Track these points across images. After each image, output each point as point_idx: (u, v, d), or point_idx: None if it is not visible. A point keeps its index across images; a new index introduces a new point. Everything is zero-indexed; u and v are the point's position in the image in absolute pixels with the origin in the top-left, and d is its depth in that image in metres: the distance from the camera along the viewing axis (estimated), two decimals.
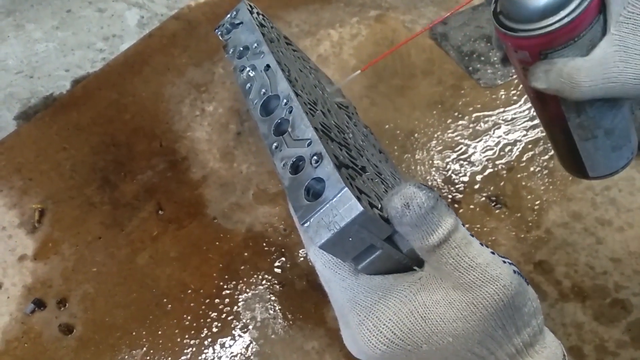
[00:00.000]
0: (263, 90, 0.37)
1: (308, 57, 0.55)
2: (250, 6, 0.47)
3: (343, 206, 0.26)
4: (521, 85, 0.82)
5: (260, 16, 0.47)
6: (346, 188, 0.26)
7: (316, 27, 0.93)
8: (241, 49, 0.42)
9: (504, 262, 0.28)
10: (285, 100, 0.34)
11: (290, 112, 0.33)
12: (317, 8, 0.95)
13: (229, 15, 0.46)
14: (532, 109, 0.79)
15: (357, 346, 0.29)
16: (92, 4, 1.02)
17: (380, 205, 0.29)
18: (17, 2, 1.03)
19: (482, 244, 0.28)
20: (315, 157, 0.29)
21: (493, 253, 0.28)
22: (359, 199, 0.26)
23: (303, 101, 0.35)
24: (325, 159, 0.28)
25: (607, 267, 0.65)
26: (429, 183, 0.74)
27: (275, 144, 0.33)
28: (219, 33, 0.46)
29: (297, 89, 0.37)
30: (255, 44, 0.41)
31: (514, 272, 0.28)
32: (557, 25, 0.35)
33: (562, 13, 0.34)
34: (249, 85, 0.38)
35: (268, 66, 0.38)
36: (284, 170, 0.30)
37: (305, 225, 0.27)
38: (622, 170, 0.45)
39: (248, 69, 0.40)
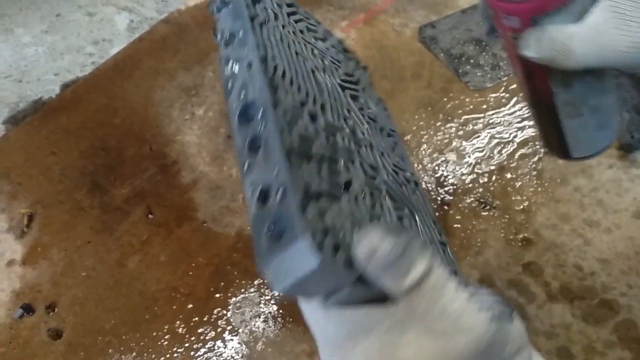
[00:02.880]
0: (243, 92, 0.34)
1: (318, 22, 0.51)
2: None
3: (300, 256, 0.24)
4: (510, 87, 0.83)
5: None
6: (303, 238, 0.24)
7: None
8: (227, 35, 0.39)
9: (481, 308, 0.26)
10: (261, 112, 0.31)
11: (265, 126, 0.31)
12: (306, 11, 0.96)
13: None
14: (521, 111, 0.80)
15: None
16: (82, 8, 1.02)
17: (349, 246, 0.27)
18: (6, 6, 1.03)
19: (459, 287, 0.26)
20: (280, 192, 0.27)
21: (470, 298, 0.26)
22: (319, 246, 0.24)
23: (283, 111, 0.32)
24: (287, 198, 0.26)
25: (594, 268, 0.65)
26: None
27: (247, 164, 0.30)
28: (211, 10, 0.43)
29: (280, 92, 0.34)
30: (242, 32, 0.37)
31: (491, 319, 0.26)
32: None
33: None
34: (230, 83, 0.35)
35: (250, 64, 0.35)
36: (251, 199, 0.28)
37: (264, 270, 0.25)
38: (603, 152, 0.45)
39: (232, 61, 0.36)
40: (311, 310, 0.29)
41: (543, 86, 0.41)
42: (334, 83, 0.44)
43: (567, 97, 0.40)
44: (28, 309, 0.69)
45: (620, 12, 0.33)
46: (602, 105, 0.41)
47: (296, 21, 0.47)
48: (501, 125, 0.79)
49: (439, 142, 0.79)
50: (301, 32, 0.46)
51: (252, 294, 0.68)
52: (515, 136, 0.78)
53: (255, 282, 0.69)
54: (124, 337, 0.67)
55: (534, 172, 0.74)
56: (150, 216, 0.76)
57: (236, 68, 0.36)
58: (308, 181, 0.29)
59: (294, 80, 0.37)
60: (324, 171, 0.31)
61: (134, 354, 0.66)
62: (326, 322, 0.28)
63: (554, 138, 0.45)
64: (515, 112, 0.80)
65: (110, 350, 0.66)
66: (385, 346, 0.26)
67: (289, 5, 0.48)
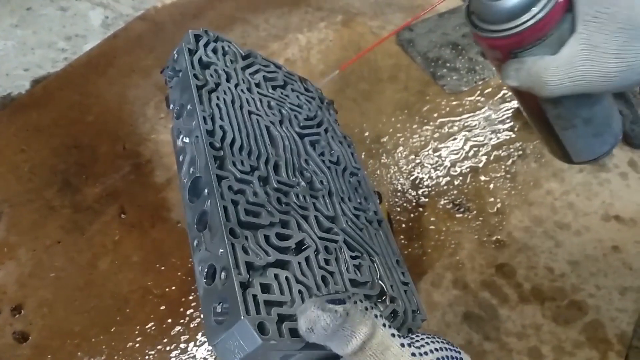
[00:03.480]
0: (192, 168, 0.35)
1: (278, 67, 0.52)
2: (196, 37, 0.43)
3: (243, 336, 0.26)
4: (485, 91, 0.84)
5: (211, 45, 0.44)
6: (245, 320, 0.26)
7: (284, 31, 0.93)
8: (178, 107, 0.40)
9: None
10: (206, 189, 0.33)
11: (211, 204, 0.32)
12: (285, 12, 0.95)
13: (171, 57, 0.43)
14: (496, 115, 0.81)
15: None
16: (54, 2, 1.00)
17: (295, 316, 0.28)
18: None
19: (403, 345, 0.28)
20: (223, 273, 0.29)
21: (414, 354, 0.28)
22: (261, 326, 0.27)
23: (229, 184, 0.33)
24: (229, 279, 0.28)
25: (565, 270, 0.66)
26: (395, 187, 0.75)
27: (196, 241, 0.32)
28: (164, 78, 0.44)
29: (228, 164, 0.35)
30: (189, 105, 0.38)
31: None
32: (523, 26, 0.35)
33: (529, 14, 0.35)
34: (181, 157, 0.37)
35: (197, 137, 0.36)
36: (200, 277, 0.30)
37: (213, 347, 0.27)
38: (607, 155, 0.46)
39: (183, 134, 0.38)
40: None
41: (533, 104, 0.42)
42: (292, 134, 0.45)
43: (557, 112, 0.41)
44: None
45: (593, 43, 0.34)
46: (594, 116, 0.42)
47: (252, 73, 0.47)
48: (476, 129, 0.80)
49: (415, 145, 0.79)
50: (257, 85, 0.47)
51: None
52: (490, 139, 0.79)
53: None
54: (93, 339, 0.65)
55: (508, 175, 0.75)
56: (123, 216, 0.75)
57: (186, 140, 0.37)
58: (252, 257, 0.30)
59: (244, 145, 0.38)
60: (272, 239, 0.33)
61: (104, 357, 0.64)
62: None
63: (555, 145, 0.46)
64: (490, 115, 0.81)
65: (79, 354, 0.64)
66: None
67: (244, 58, 0.48)
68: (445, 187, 0.75)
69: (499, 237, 0.70)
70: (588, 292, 0.65)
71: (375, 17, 0.94)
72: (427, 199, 0.74)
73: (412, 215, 0.72)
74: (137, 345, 0.65)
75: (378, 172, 0.77)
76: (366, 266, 0.40)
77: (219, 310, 0.28)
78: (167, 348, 0.64)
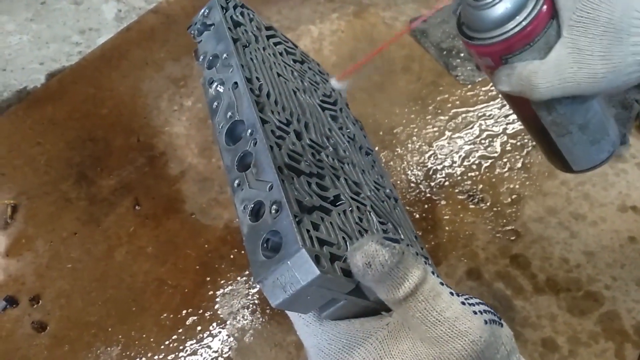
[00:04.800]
0: (230, 113, 0.35)
1: (295, 45, 0.52)
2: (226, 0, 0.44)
3: (300, 267, 0.25)
4: None
5: (239, 10, 0.45)
6: (303, 250, 0.25)
7: (296, 23, 0.92)
8: (211, 57, 0.39)
9: (475, 312, 0.27)
10: (250, 130, 0.32)
11: (255, 144, 0.31)
12: (297, 3, 0.95)
13: (201, 13, 0.43)
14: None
15: None
16: None
17: (344, 257, 0.27)
18: None
19: (452, 293, 0.27)
20: (274, 207, 0.27)
21: (464, 303, 0.27)
22: (317, 258, 0.25)
23: (271, 129, 0.33)
24: (283, 211, 0.27)
25: (580, 261, 0.66)
26: (408, 178, 0.75)
27: (237, 181, 0.31)
28: (192, 33, 0.43)
29: (267, 111, 0.35)
30: (225, 55, 0.38)
31: (486, 322, 0.27)
32: (511, 32, 0.37)
33: (515, 21, 0.37)
34: (216, 103, 0.36)
35: (236, 84, 0.36)
36: (243, 215, 0.29)
37: (260, 284, 0.26)
38: (606, 163, 0.46)
39: (216, 83, 0.37)
40: (304, 325, 0.29)
41: (528, 110, 0.43)
42: (315, 103, 0.45)
43: (551, 118, 0.42)
44: (12, 302, 0.68)
45: (578, 47, 0.36)
46: (589, 123, 0.42)
47: (275, 44, 0.48)
48: (490, 119, 0.79)
49: (428, 135, 0.79)
50: (281, 54, 0.48)
51: (240, 286, 0.68)
52: (505, 130, 0.78)
53: (243, 274, 0.69)
54: (110, 329, 0.66)
55: (522, 166, 0.74)
56: (137, 208, 0.75)
57: (221, 89, 0.37)
58: (300, 196, 0.29)
59: (278, 100, 0.38)
60: (313, 186, 0.32)
61: (120, 346, 0.65)
62: (321, 336, 0.29)
63: (553, 155, 0.46)
64: (504, 105, 0.80)
65: (96, 343, 0.65)
66: (381, 356, 0.27)
67: (267, 29, 0.49)
68: (459, 178, 0.74)
69: (513, 227, 0.69)
70: (604, 283, 0.64)
71: (388, 8, 0.94)
72: (440, 190, 0.73)
73: (425, 206, 0.72)
74: (153, 335, 0.66)
75: (391, 163, 0.76)
76: (392, 234, 0.40)
77: (267, 247, 0.27)
78: (182, 338, 0.65)
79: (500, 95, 0.81)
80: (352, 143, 0.47)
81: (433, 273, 0.27)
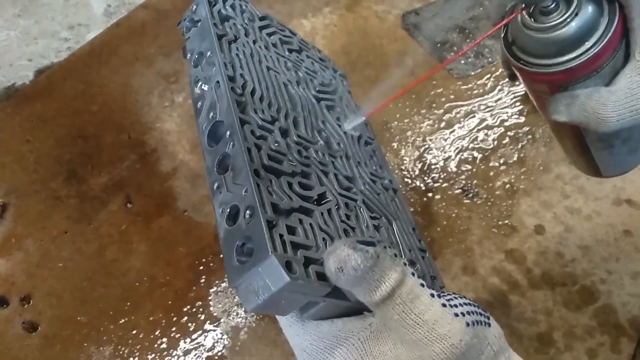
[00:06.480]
0: (212, 113, 0.34)
1: (293, 33, 0.51)
2: None
3: (270, 274, 0.25)
4: (493, 77, 0.83)
5: (229, 2, 0.44)
6: (272, 256, 0.25)
7: (289, 17, 0.91)
8: (196, 56, 0.39)
9: (457, 315, 0.26)
10: (229, 132, 0.32)
11: (233, 146, 0.31)
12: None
13: (189, 9, 0.42)
14: (505, 99, 0.80)
15: None
16: None
17: (321, 260, 0.27)
18: None
19: (433, 295, 0.27)
20: (248, 211, 0.28)
21: (445, 305, 0.26)
22: (289, 264, 0.25)
23: (251, 129, 0.33)
24: (255, 217, 0.27)
25: (575, 255, 0.66)
26: (403, 173, 0.74)
27: (216, 184, 0.31)
28: (181, 29, 0.43)
29: (249, 110, 0.34)
30: (209, 52, 0.38)
31: (468, 324, 0.26)
32: (579, 60, 0.32)
33: (585, 47, 0.32)
34: (200, 103, 0.36)
35: (218, 83, 0.35)
36: (221, 219, 0.29)
37: (234, 289, 0.26)
38: (635, 167, 0.43)
39: (201, 82, 0.37)
40: (287, 325, 0.29)
41: (573, 130, 0.39)
42: (309, 95, 0.44)
43: (598, 136, 0.38)
44: (1, 302, 0.67)
45: None
46: (632, 135, 0.39)
47: (269, 34, 0.47)
48: (484, 113, 0.79)
49: (422, 130, 0.78)
50: (274, 45, 0.47)
51: None
52: (499, 124, 0.78)
53: None
54: (102, 329, 0.65)
55: (517, 160, 0.74)
56: (129, 205, 0.74)
57: (205, 87, 0.36)
58: (277, 199, 0.29)
59: (264, 96, 0.37)
60: (294, 187, 0.32)
61: (113, 346, 0.64)
62: (303, 336, 0.29)
63: (584, 163, 0.43)
64: (499, 99, 0.80)
65: (88, 343, 0.65)
66: (362, 357, 0.27)
67: (261, 19, 0.48)
68: (454, 173, 0.74)
69: (508, 222, 0.69)
70: (599, 277, 0.64)
71: (381, 1, 0.93)
72: (435, 185, 0.73)
73: (420, 200, 0.71)
74: (146, 334, 0.65)
75: (386, 157, 0.76)
76: (384, 228, 0.39)
77: (243, 251, 0.27)
78: (176, 336, 0.64)
79: (496, 89, 0.81)
80: (349, 134, 0.46)
81: (414, 274, 0.27)
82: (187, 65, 0.39)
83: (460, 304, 0.27)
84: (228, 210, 0.29)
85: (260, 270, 0.25)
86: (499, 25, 0.35)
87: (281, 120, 0.37)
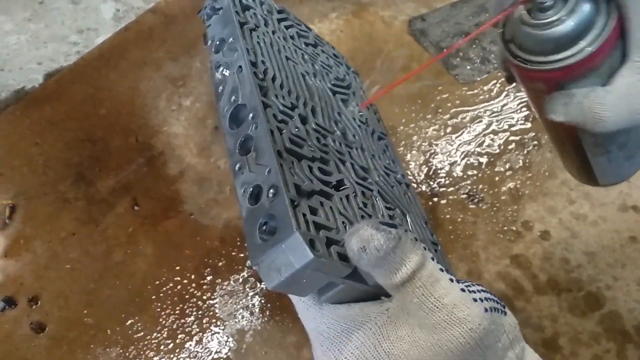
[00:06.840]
0: (234, 96, 0.35)
1: (309, 28, 0.52)
2: None
3: (294, 251, 0.25)
4: (499, 82, 0.83)
5: None
6: (297, 233, 0.25)
7: None
8: (218, 42, 0.40)
9: (475, 300, 0.26)
10: (251, 114, 0.32)
11: (256, 128, 0.31)
12: (296, 2, 0.95)
13: None
14: (511, 104, 0.80)
15: None
16: None
17: (342, 242, 0.27)
18: None
19: (452, 280, 0.26)
20: (272, 190, 0.28)
21: (464, 290, 0.26)
22: (312, 242, 0.25)
23: (273, 113, 0.33)
24: (279, 196, 0.27)
25: (581, 261, 0.66)
26: (409, 178, 0.74)
27: (238, 165, 0.31)
28: (201, 17, 0.44)
29: (271, 95, 0.35)
30: (231, 38, 0.38)
31: (486, 310, 0.26)
32: (575, 58, 0.32)
33: (582, 44, 0.31)
34: (221, 87, 0.36)
35: (240, 68, 0.36)
36: (243, 198, 0.29)
37: (256, 266, 0.26)
38: (633, 175, 0.43)
39: (222, 67, 0.37)
40: (305, 308, 0.29)
41: (568, 132, 0.39)
42: (325, 87, 0.45)
43: (594, 140, 0.38)
44: (10, 302, 0.68)
45: None
46: (629, 140, 0.39)
47: (287, 27, 0.48)
48: (490, 118, 0.79)
49: (428, 135, 0.78)
50: (292, 37, 0.47)
51: (239, 286, 0.68)
52: (505, 129, 0.78)
53: (242, 274, 0.68)
54: (109, 330, 0.66)
55: (523, 165, 0.74)
56: (136, 208, 0.75)
57: (226, 73, 0.37)
58: (299, 180, 0.29)
59: (284, 84, 0.38)
60: (315, 171, 0.32)
61: (119, 347, 0.65)
62: (320, 319, 0.28)
63: (581, 170, 0.43)
64: (505, 105, 0.80)
65: (95, 344, 0.65)
66: (379, 341, 0.26)
67: (279, 12, 0.49)
68: (459, 178, 0.74)
69: (514, 227, 0.69)
70: (605, 284, 0.64)
71: (387, 7, 0.93)
72: (441, 190, 0.73)
73: (426, 205, 0.72)
74: (152, 336, 0.65)
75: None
76: (399, 219, 0.40)
77: (265, 230, 0.27)
78: (182, 338, 0.65)
79: (502, 95, 0.81)
80: (363, 127, 0.46)
81: (433, 259, 0.27)
82: (207, 51, 0.40)
83: (477, 290, 0.27)
84: (251, 189, 0.29)
85: (284, 247, 0.25)
86: (496, 18, 0.35)
87: (300, 108, 0.37)
